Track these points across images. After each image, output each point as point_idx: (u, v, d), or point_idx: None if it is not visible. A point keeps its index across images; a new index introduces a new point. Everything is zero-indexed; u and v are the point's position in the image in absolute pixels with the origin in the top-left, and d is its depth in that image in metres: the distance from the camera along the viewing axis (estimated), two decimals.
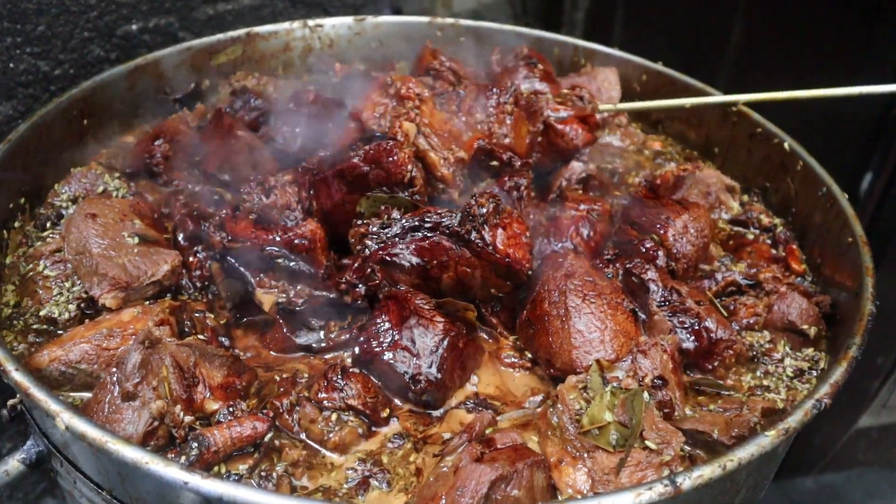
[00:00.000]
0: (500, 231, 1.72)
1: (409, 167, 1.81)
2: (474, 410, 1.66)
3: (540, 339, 1.73)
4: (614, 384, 1.53)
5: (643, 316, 1.77)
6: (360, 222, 1.78)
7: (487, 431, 1.52)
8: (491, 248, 1.69)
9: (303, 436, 1.56)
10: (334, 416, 1.57)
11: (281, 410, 1.57)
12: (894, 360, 3.66)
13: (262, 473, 1.46)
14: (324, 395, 1.57)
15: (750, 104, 2.48)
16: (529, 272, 1.76)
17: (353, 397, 1.57)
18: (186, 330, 1.71)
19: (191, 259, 1.88)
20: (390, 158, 1.79)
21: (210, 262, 1.88)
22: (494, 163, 2.04)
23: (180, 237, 1.96)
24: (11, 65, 2.42)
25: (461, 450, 1.45)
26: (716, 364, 1.78)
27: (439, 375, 1.62)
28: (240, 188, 2.01)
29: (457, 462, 1.42)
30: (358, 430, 1.57)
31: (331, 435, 1.55)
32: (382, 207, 1.78)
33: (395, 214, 1.75)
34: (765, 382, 1.78)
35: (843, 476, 4.13)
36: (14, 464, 1.58)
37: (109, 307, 1.71)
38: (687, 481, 1.28)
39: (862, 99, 3.14)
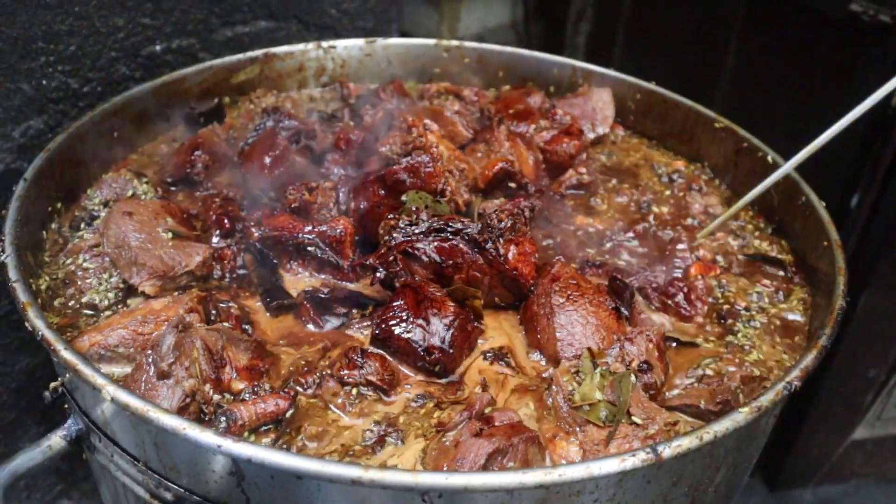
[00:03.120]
0: (513, 246, 1.90)
1: (442, 179, 2.05)
2: (494, 361, 1.82)
3: (530, 337, 1.88)
4: (604, 367, 1.66)
5: (626, 313, 1.91)
6: (391, 216, 1.94)
7: (486, 410, 1.63)
8: (503, 259, 1.86)
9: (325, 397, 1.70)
10: (354, 391, 1.70)
11: (306, 387, 1.69)
12: (887, 372, 3.73)
13: (284, 447, 1.58)
14: (345, 371, 1.70)
15: (749, 125, 2.62)
16: (532, 288, 1.92)
17: (371, 374, 1.70)
18: (212, 318, 1.83)
19: (225, 251, 2.02)
20: (427, 169, 2.03)
21: (243, 254, 2.04)
22: (512, 184, 2.28)
23: (215, 235, 2.11)
24: (44, 82, 2.53)
25: (462, 426, 1.58)
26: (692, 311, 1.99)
27: (451, 350, 1.76)
28: (284, 195, 2.19)
29: (457, 437, 1.54)
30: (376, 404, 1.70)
31: (351, 408, 1.68)
32: (415, 208, 1.95)
33: (424, 216, 1.91)
34: (740, 336, 1.96)
35: (840, 489, 4.17)
36: (56, 439, 1.70)
37: (148, 294, 1.85)
38: (667, 450, 1.40)
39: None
